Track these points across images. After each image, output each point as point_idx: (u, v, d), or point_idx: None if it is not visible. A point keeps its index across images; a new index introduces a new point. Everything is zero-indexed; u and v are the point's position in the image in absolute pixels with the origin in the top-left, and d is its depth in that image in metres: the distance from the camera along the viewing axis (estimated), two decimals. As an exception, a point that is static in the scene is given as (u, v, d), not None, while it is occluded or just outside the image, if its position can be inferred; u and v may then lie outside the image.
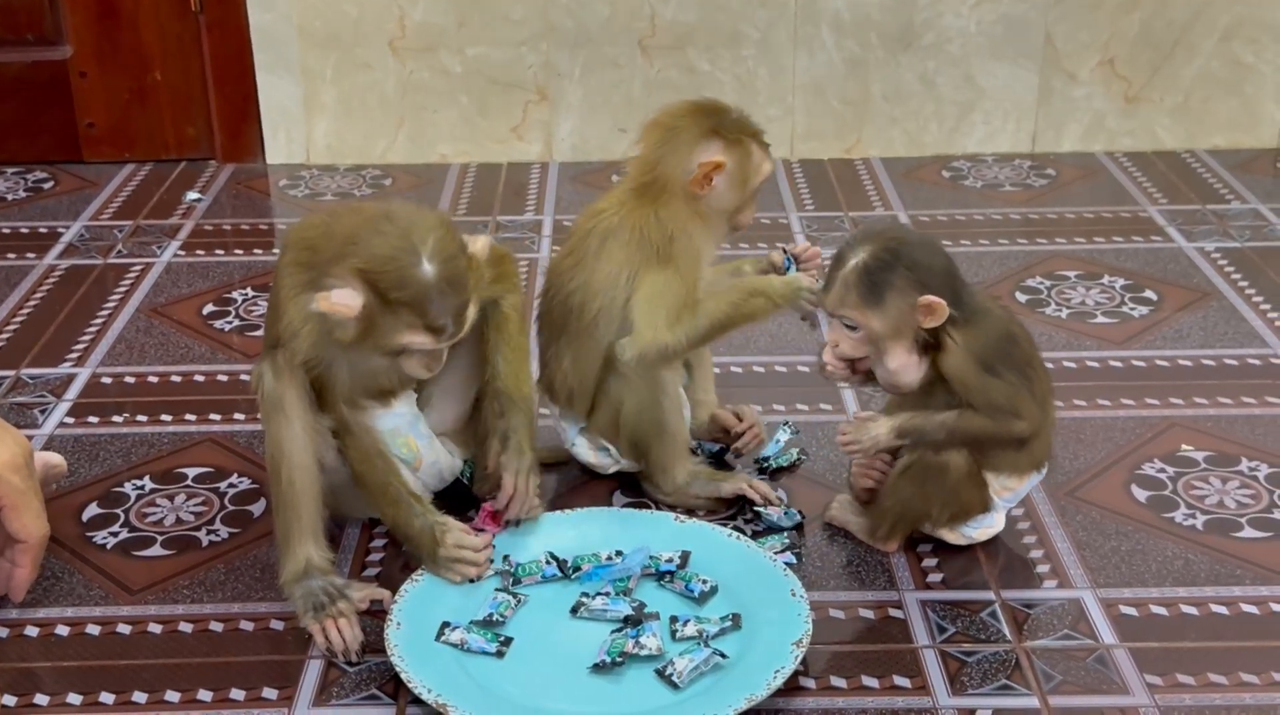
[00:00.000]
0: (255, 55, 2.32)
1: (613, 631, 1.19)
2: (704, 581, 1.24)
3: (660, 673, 1.14)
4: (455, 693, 1.11)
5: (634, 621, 1.19)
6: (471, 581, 1.25)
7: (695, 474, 1.39)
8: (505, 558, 1.27)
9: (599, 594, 1.23)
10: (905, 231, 1.27)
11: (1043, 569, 1.30)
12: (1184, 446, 1.49)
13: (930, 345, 1.24)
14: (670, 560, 1.27)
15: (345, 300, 1.15)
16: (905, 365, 1.24)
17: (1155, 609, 1.24)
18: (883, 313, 1.22)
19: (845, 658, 1.18)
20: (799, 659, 1.13)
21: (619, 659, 1.15)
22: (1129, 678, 1.16)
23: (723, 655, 1.15)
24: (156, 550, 1.35)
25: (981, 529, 1.30)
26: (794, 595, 1.21)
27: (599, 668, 1.15)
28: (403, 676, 1.13)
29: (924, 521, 1.30)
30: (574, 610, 1.22)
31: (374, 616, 1.22)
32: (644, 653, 1.15)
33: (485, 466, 1.35)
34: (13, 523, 1.22)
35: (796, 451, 1.48)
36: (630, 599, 1.22)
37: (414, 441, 1.31)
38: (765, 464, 1.46)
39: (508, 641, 1.18)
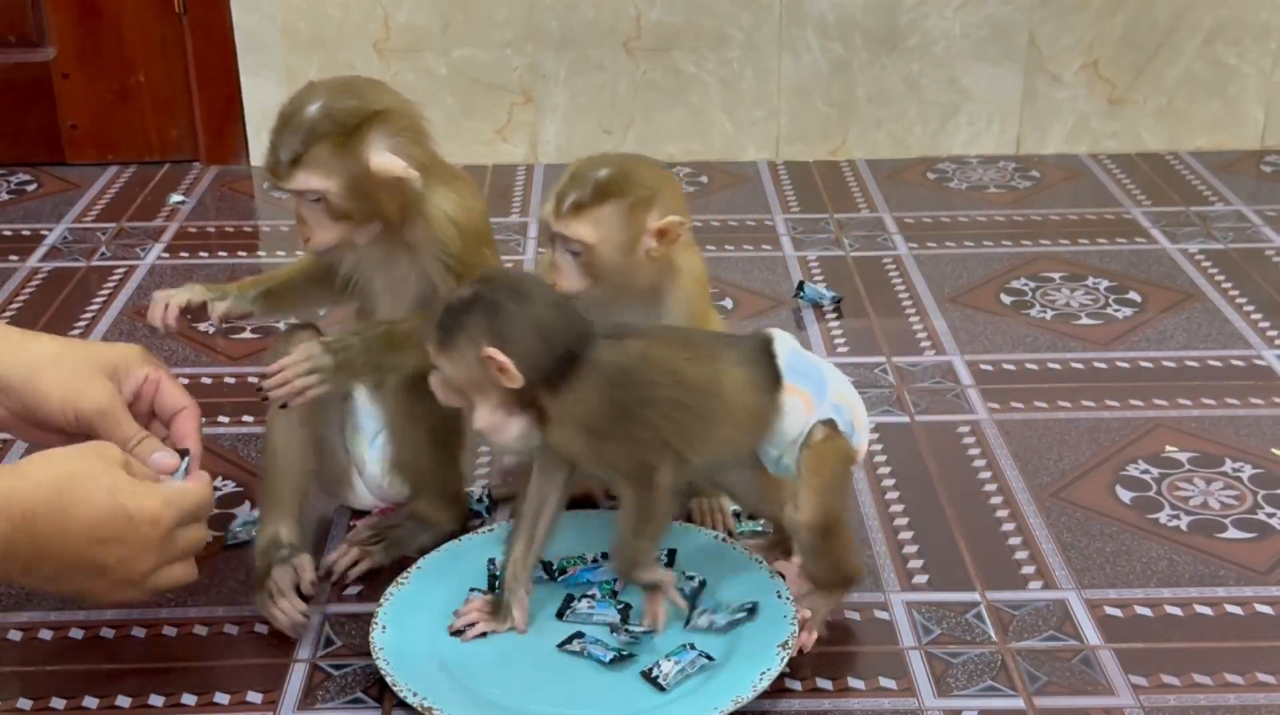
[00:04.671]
0: (239, 57, 2.32)
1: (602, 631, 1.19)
2: (691, 578, 1.24)
3: (646, 675, 1.14)
4: (440, 697, 1.10)
5: (629, 621, 1.19)
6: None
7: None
8: (491, 561, 1.27)
9: (585, 596, 1.23)
10: (511, 277, 1.16)
11: (1028, 570, 1.30)
12: (1168, 447, 1.50)
13: (537, 412, 1.12)
14: (658, 560, 1.26)
15: None
16: (493, 425, 1.12)
17: (1140, 610, 1.25)
18: (452, 359, 1.10)
19: (831, 659, 1.18)
20: (785, 661, 1.13)
21: (611, 661, 1.15)
22: (1114, 678, 1.16)
23: (709, 657, 1.15)
24: (140, 554, 1.34)
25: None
26: (780, 597, 1.20)
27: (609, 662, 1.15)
28: (388, 680, 1.12)
29: (843, 556, 1.20)
30: (560, 613, 1.22)
31: (360, 620, 1.22)
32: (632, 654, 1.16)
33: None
34: (171, 394, 1.19)
35: None
36: (617, 601, 1.22)
37: (362, 446, 1.32)
38: None
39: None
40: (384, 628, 1.18)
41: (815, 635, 1.19)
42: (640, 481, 1.14)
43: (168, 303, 1.27)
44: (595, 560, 1.27)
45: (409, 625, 1.19)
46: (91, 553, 1.04)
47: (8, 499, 1.01)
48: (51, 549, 1.03)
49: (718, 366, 1.15)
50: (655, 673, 1.13)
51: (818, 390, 1.16)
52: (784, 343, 1.18)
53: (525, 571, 1.20)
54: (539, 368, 1.09)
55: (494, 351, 1.07)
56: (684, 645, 1.16)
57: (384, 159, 1.18)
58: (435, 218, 1.21)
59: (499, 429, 1.12)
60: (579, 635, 1.19)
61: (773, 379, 1.16)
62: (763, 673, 1.11)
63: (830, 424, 1.16)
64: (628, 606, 1.21)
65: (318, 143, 1.16)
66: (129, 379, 1.18)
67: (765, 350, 1.17)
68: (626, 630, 1.17)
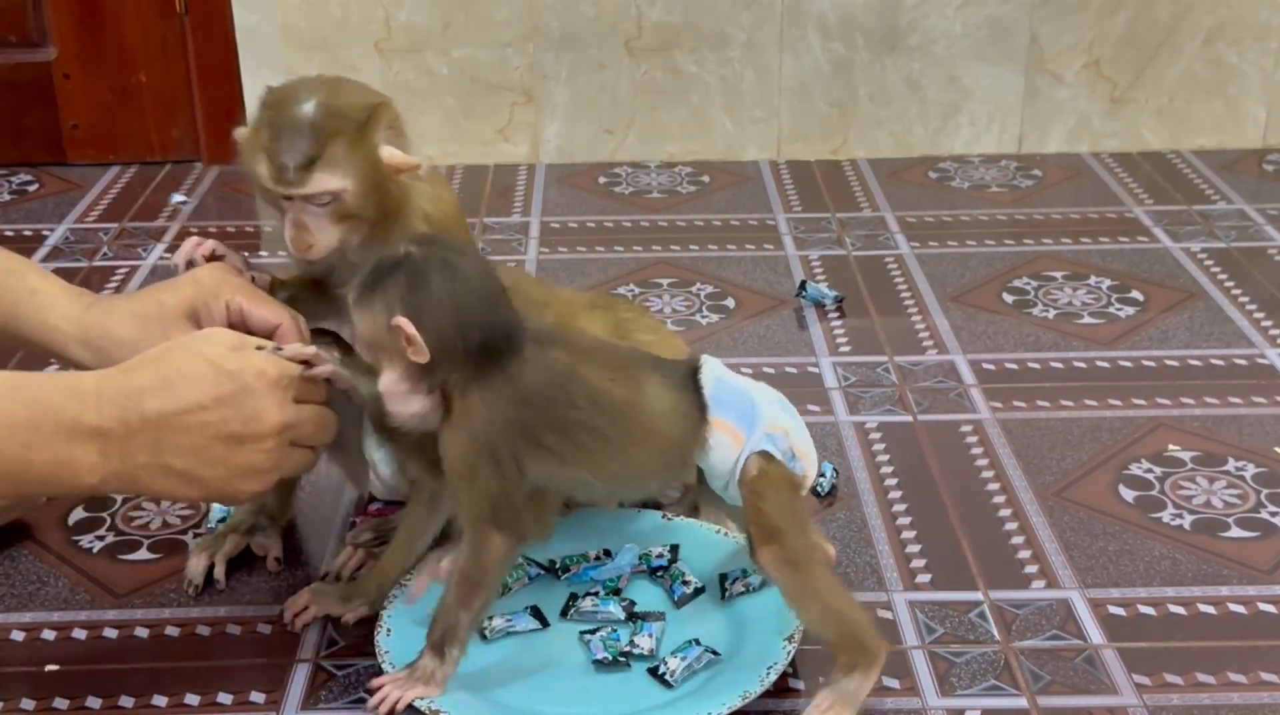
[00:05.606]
0: (240, 57, 2.32)
1: (606, 630, 1.19)
2: (687, 584, 1.24)
3: (654, 672, 1.14)
4: (445, 697, 1.10)
5: (633, 618, 1.19)
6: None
7: None
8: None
9: (588, 594, 1.23)
10: (451, 248, 1.07)
11: (1030, 569, 1.30)
12: (1171, 446, 1.50)
13: (445, 401, 1.06)
14: (661, 556, 1.27)
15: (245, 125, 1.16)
16: (395, 394, 1.06)
17: (1143, 609, 1.25)
18: (364, 317, 1.05)
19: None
20: (791, 654, 1.13)
21: (620, 658, 1.15)
22: (1117, 678, 1.16)
23: (715, 653, 1.15)
24: (143, 554, 1.34)
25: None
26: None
27: (600, 664, 1.15)
28: (391, 679, 1.12)
29: (838, 608, 1.10)
30: (564, 612, 1.22)
31: (362, 620, 1.22)
32: (637, 651, 1.16)
33: None
34: (259, 315, 1.16)
35: None
36: (620, 599, 1.22)
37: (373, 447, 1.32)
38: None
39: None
40: (389, 631, 1.18)
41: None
42: (479, 540, 1.08)
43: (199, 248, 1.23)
44: (598, 557, 1.27)
45: (412, 626, 1.18)
46: (211, 418, 1.05)
47: (109, 381, 1.05)
48: (170, 422, 1.04)
49: (642, 388, 1.09)
50: (662, 669, 1.13)
51: (747, 423, 1.10)
52: (710, 371, 1.12)
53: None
54: (450, 352, 1.03)
55: (404, 321, 1.02)
56: (690, 641, 1.16)
57: (393, 153, 1.15)
58: (414, 214, 1.18)
59: (400, 399, 1.06)
60: (574, 599, 1.21)
61: (699, 408, 1.10)
62: (770, 667, 1.11)
63: (765, 456, 1.09)
64: (632, 603, 1.21)
65: (332, 141, 1.13)
66: (210, 317, 1.16)
67: (693, 377, 1.11)
68: (633, 643, 1.17)
